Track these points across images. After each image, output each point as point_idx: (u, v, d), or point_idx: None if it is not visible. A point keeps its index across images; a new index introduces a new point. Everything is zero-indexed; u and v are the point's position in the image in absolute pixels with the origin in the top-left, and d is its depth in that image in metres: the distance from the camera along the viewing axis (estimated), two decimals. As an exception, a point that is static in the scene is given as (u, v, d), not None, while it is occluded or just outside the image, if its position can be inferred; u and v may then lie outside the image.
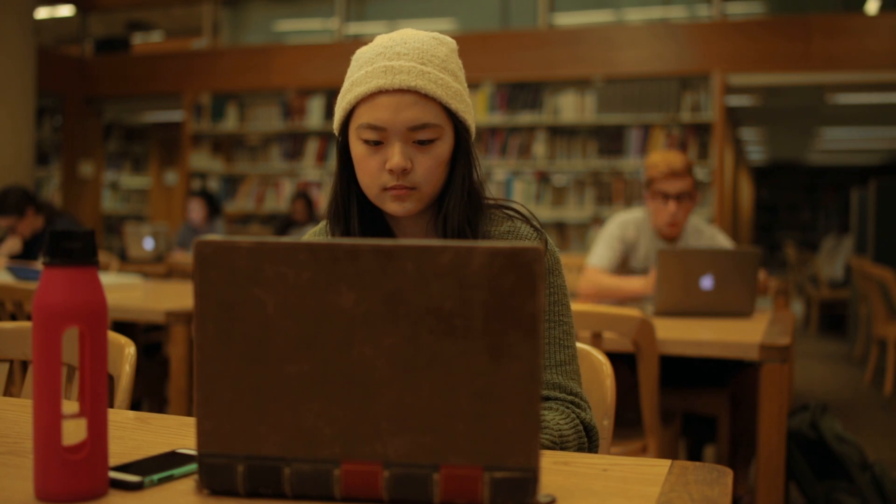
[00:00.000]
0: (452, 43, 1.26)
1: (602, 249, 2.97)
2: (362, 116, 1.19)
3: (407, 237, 1.30)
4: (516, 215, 1.30)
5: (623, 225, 3.01)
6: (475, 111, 3.28)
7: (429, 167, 1.20)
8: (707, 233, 3.06)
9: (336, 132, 1.25)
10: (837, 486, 2.67)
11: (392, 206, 1.21)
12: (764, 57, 6.23)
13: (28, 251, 4.01)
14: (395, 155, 1.18)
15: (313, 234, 1.37)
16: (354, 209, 1.26)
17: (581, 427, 1.19)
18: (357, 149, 1.21)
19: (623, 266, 3.00)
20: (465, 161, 1.24)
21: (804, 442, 2.73)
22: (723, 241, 3.06)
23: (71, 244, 0.81)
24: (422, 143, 1.19)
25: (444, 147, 1.21)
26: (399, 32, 1.24)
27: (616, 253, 2.96)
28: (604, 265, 2.94)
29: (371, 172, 1.20)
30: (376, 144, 1.19)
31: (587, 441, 1.20)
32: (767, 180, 18.66)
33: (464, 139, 1.23)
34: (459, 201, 1.23)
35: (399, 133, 1.18)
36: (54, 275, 0.80)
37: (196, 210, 6.22)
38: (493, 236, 1.26)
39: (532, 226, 1.27)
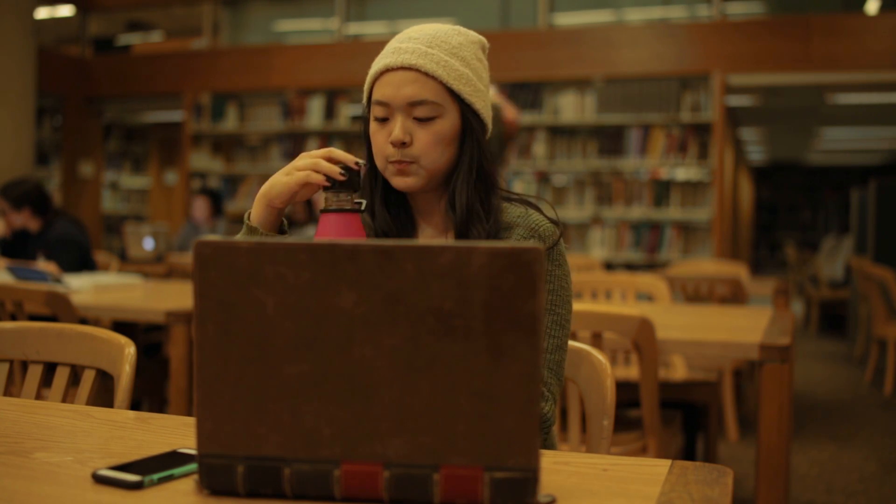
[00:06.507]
0: (476, 37, 1.34)
1: None
2: (375, 94, 1.30)
3: (422, 215, 1.37)
4: (531, 206, 1.35)
5: None
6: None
7: (427, 142, 1.27)
8: None
9: (365, 114, 1.35)
10: None
11: (395, 181, 1.30)
12: (764, 57, 6.23)
13: (24, 251, 4.00)
14: (396, 128, 1.26)
15: None
16: (379, 185, 1.35)
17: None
18: (371, 126, 1.31)
19: None
20: (473, 144, 1.30)
21: None
22: None
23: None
24: (422, 119, 1.27)
25: (444, 125, 1.27)
26: (425, 24, 1.32)
27: None
28: None
29: (378, 147, 1.30)
30: (384, 121, 1.28)
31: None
32: (767, 180, 18.65)
33: (471, 123, 1.29)
34: (467, 179, 1.29)
35: (401, 108, 1.27)
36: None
37: (200, 208, 6.20)
38: (506, 220, 1.32)
39: (545, 215, 1.33)
